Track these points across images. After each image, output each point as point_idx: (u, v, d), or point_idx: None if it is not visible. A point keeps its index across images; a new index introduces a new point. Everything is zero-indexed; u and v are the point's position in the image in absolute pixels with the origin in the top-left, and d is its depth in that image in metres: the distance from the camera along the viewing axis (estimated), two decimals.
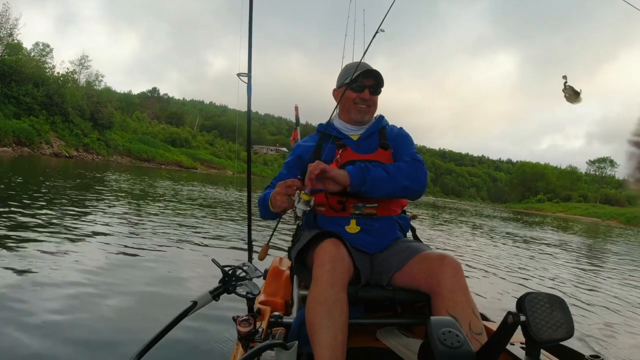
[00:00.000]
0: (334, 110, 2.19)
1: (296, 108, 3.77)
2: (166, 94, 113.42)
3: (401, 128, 2.18)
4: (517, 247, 11.27)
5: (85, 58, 55.47)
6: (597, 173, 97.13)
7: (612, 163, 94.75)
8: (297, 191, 1.71)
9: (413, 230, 2.15)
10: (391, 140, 2.06)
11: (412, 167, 1.87)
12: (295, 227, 2.30)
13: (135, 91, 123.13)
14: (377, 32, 2.17)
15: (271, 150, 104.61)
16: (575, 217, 62.45)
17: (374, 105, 2.08)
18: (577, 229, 28.57)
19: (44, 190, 10.24)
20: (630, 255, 13.22)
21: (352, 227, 1.88)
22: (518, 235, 15.12)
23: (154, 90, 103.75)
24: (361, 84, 2.01)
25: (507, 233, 15.59)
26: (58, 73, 47.25)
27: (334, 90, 2.17)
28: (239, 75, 1.69)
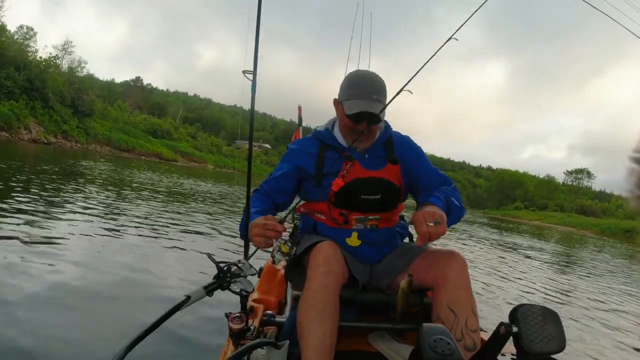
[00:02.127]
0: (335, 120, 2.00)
1: (299, 108, 3.74)
2: (149, 84, 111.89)
3: (409, 139, 2.01)
4: (495, 252, 11.41)
5: (68, 43, 54.59)
6: (574, 183, 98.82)
7: (589, 174, 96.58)
8: (278, 242, 1.63)
9: (410, 236, 2.14)
10: (399, 152, 1.90)
11: (456, 192, 1.85)
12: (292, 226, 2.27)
13: (119, 79, 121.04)
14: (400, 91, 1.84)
15: (254, 146, 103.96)
16: (550, 225, 63.40)
17: (373, 133, 1.86)
18: (553, 237, 29.00)
19: (27, 178, 10.05)
20: (608, 264, 13.48)
21: (354, 240, 1.84)
22: (497, 241, 15.29)
23: (138, 79, 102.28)
24: (359, 115, 1.75)
25: (486, 238, 15.76)
26: (40, 57, 46.34)
27: (335, 100, 1.91)
28: (244, 72, 1.67)
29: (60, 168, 15.24)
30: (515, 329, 1.29)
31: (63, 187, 9.69)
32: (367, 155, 1.87)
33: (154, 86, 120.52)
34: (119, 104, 69.99)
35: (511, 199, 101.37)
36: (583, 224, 63.22)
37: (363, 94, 1.75)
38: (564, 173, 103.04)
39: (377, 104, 1.74)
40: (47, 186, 9.20)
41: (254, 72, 1.70)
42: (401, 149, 1.92)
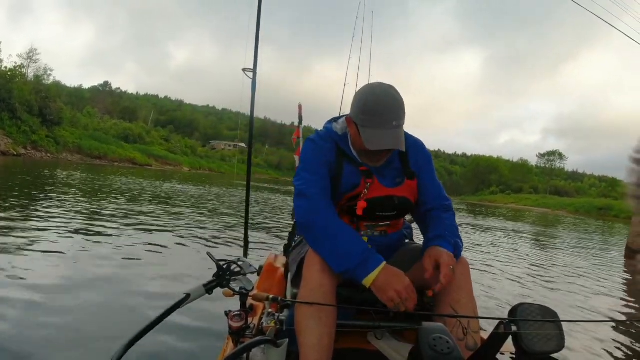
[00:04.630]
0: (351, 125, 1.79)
1: (300, 107, 3.75)
2: (119, 88, 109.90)
3: (422, 144, 1.91)
4: (481, 238, 11.57)
5: (33, 51, 53.30)
6: (547, 165, 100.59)
7: (561, 156, 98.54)
8: (269, 317, 1.69)
9: (412, 236, 2.11)
10: (413, 159, 1.83)
11: (455, 220, 1.82)
12: (292, 224, 2.27)
13: (88, 85, 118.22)
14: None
15: (229, 145, 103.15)
16: (526, 207, 64.44)
17: (391, 152, 1.74)
18: (530, 219, 29.51)
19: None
20: (585, 242, 13.78)
21: None
22: (478, 226, 15.49)
23: (106, 84, 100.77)
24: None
25: (467, 224, 15.93)
26: (5, 68, 45.07)
27: (348, 118, 1.71)
28: (244, 70, 1.66)
29: (36, 179, 14.93)
30: (514, 328, 1.28)
31: (46, 197, 9.50)
32: (383, 170, 1.77)
33: (124, 90, 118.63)
34: (88, 110, 68.76)
35: (487, 184, 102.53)
36: (558, 205, 64.47)
37: (383, 123, 1.58)
38: (537, 156, 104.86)
39: (398, 131, 1.60)
40: (31, 197, 9.03)
41: (254, 71, 1.69)
42: (414, 156, 1.83)
